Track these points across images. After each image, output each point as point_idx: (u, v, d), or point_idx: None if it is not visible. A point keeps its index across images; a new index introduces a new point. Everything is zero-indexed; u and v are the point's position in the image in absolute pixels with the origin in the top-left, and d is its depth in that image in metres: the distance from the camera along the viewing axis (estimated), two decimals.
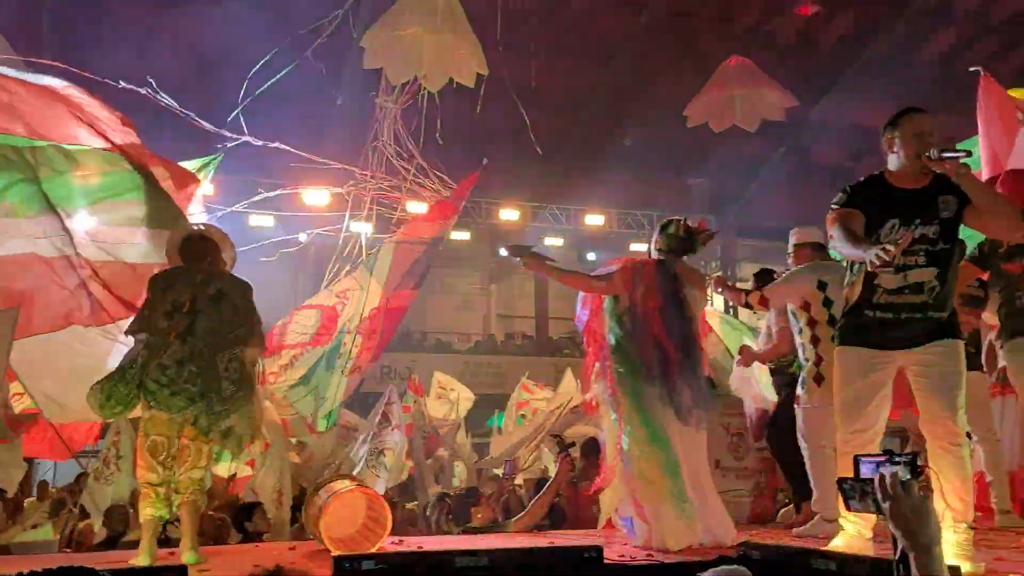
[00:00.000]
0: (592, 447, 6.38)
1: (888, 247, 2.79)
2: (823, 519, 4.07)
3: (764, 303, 4.38)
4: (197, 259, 3.86)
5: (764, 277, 5.18)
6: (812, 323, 4.28)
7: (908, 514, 1.87)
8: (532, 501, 5.30)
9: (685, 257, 4.22)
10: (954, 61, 14.20)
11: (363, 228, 8.73)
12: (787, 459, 4.78)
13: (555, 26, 12.30)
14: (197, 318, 3.65)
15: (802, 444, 4.33)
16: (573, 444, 5.45)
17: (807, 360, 4.32)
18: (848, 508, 2.32)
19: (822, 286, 4.32)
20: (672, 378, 3.84)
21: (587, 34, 12.90)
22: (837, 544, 3.38)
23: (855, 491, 2.26)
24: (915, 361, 3.18)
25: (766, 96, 11.50)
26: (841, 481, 2.23)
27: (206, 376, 3.59)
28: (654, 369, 3.85)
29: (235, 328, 3.71)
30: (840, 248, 3.26)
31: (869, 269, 2.95)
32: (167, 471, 3.59)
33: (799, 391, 4.40)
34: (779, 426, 4.79)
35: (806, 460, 4.33)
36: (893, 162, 3.25)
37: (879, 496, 1.95)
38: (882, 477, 1.97)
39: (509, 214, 14.92)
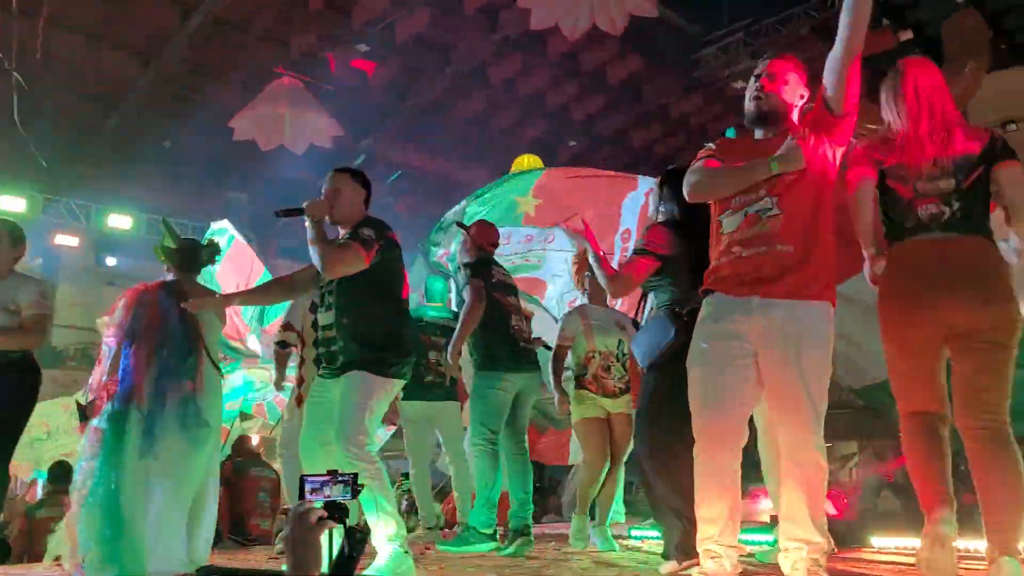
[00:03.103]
0: (62, 472, 5.72)
1: None
2: None
3: None
4: None
5: None
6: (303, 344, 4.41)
7: (296, 540, 2.04)
8: None
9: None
10: (487, 121, 15.90)
11: None
12: None
13: (95, 10, 11.15)
14: None
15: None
16: None
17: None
18: None
19: (314, 308, 4.46)
20: (148, 404, 3.52)
21: (130, 27, 11.87)
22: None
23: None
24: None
25: (314, 121, 11.65)
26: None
27: None
28: (139, 396, 3.49)
29: None
30: None
31: None
32: None
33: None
34: None
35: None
36: None
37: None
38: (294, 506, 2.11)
39: (11, 202, 12.81)
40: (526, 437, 4.63)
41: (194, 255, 3.86)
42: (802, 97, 2.93)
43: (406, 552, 3.25)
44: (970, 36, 12.70)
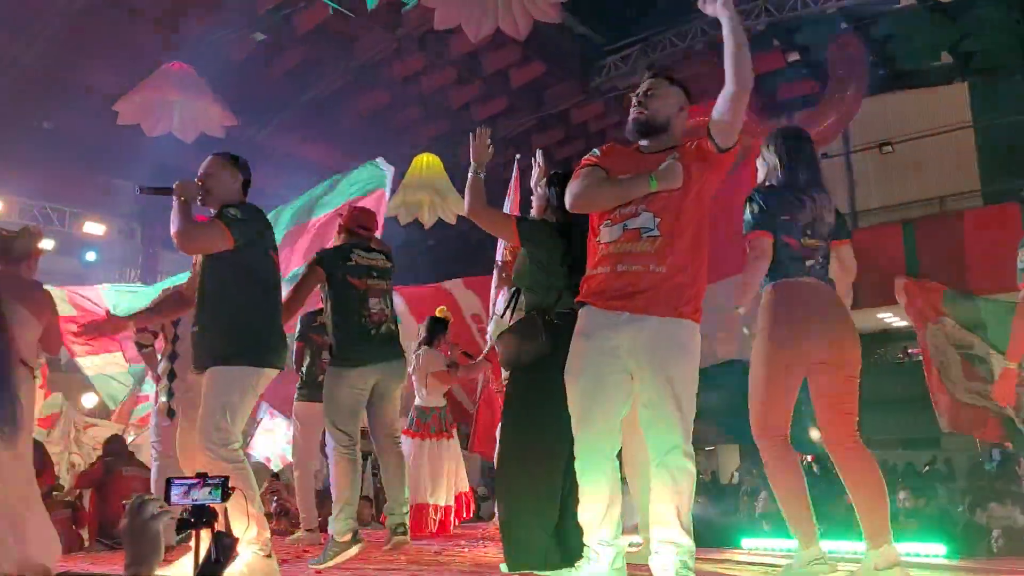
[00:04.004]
0: None
1: None
2: None
3: None
4: None
5: None
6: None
7: (133, 531, 1.98)
8: None
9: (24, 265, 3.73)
10: (388, 118, 15.72)
11: None
12: None
13: None
14: None
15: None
16: None
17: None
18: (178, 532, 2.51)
19: None
20: None
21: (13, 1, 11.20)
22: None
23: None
24: None
25: (206, 109, 11.25)
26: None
27: None
28: None
29: None
30: None
31: None
32: None
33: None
34: None
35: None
36: None
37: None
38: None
39: None
40: (398, 430, 4.56)
41: (7, 245, 3.60)
42: (682, 109, 3.01)
43: (268, 556, 3.21)
44: (852, 60, 13.39)
